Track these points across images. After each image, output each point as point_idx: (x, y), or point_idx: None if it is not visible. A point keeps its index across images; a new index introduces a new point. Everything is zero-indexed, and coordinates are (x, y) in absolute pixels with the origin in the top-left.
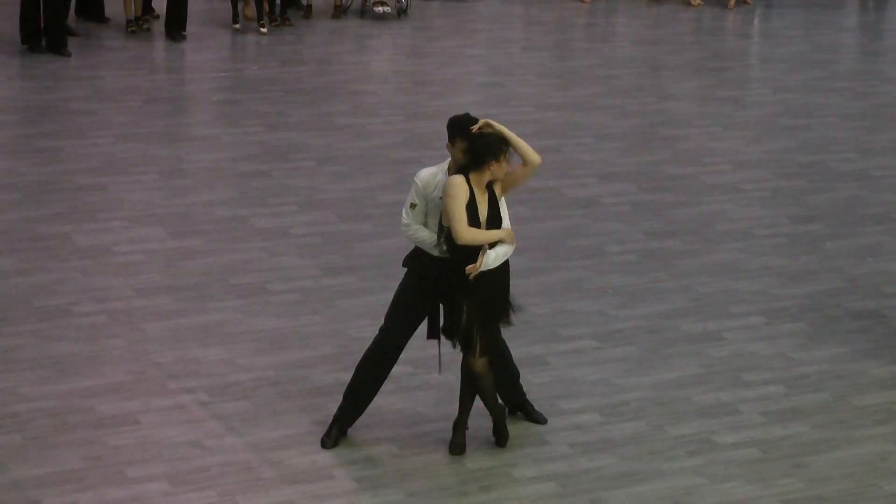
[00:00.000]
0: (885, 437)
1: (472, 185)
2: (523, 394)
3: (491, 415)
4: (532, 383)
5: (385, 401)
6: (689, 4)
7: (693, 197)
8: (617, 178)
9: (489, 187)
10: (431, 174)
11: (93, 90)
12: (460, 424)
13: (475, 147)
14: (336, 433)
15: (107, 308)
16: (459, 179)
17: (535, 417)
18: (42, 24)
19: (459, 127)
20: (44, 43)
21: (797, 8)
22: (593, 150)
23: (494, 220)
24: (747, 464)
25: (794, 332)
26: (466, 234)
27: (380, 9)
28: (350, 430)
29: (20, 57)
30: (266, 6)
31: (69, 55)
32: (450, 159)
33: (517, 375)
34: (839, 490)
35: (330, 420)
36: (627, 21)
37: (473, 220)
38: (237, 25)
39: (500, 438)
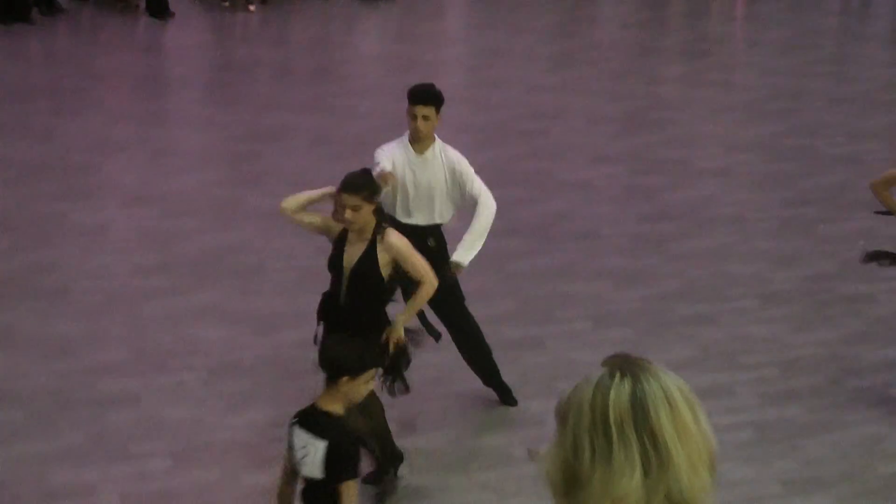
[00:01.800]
0: (880, 419)
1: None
2: (497, 373)
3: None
4: (529, 364)
5: None
6: None
7: (685, 180)
8: (609, 161)
9: (374, 238)
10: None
11: (84, 70)
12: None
13: None
14: None
15: (105, 287)
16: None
17: (506, 400)
18: None
19: (410, 93)
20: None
21: None
22: (584, 133)
23: (357, 274)
24: (744, 446)
25: (789, 315)
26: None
27: None
28: None
29: (9, 37)
30: None
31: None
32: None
33: (489, 353)
34: (835, 471)
35: None
36: (615, 4)
37: (332, 265)
38: (226, 3)
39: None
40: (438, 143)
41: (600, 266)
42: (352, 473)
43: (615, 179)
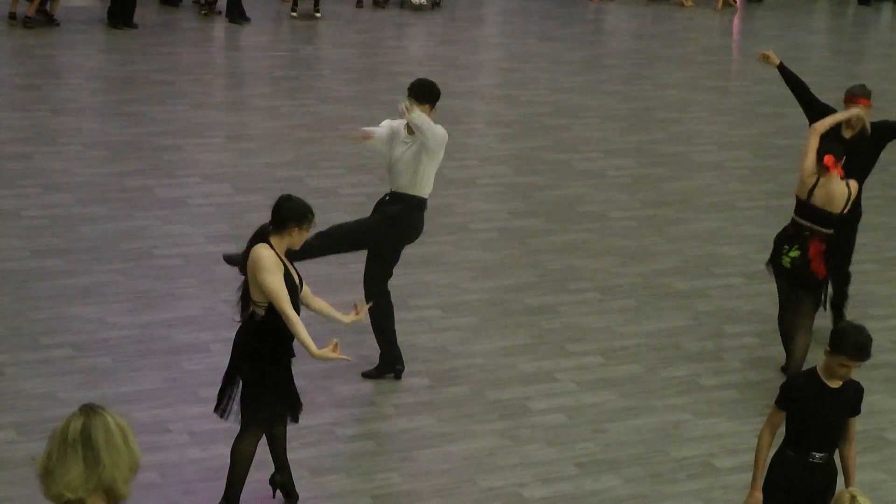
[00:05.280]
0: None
1: (276, 250)
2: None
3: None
4: (544, 328)
5: (418, 339)
6: (682, 5)
7: (684, 172)
8: (619, 153)
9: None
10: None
11: (171, 64)
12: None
13: (279, 209)
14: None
15: (182, 252)
16: (267, 251)
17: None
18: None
19: (409, 87)
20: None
21: (775, 11)
22: (599, 129)
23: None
24: (728, 403)
25: (770, 291)
26: (294, 321)
27: (417, 0)
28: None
29: (107, 34)
30: None
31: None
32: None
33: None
34: None
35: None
36: (629, 18)
37: (292, 288)
38: (294, 14)
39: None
40: None
41: (609, 245)
42: None
43: (624, 170)
